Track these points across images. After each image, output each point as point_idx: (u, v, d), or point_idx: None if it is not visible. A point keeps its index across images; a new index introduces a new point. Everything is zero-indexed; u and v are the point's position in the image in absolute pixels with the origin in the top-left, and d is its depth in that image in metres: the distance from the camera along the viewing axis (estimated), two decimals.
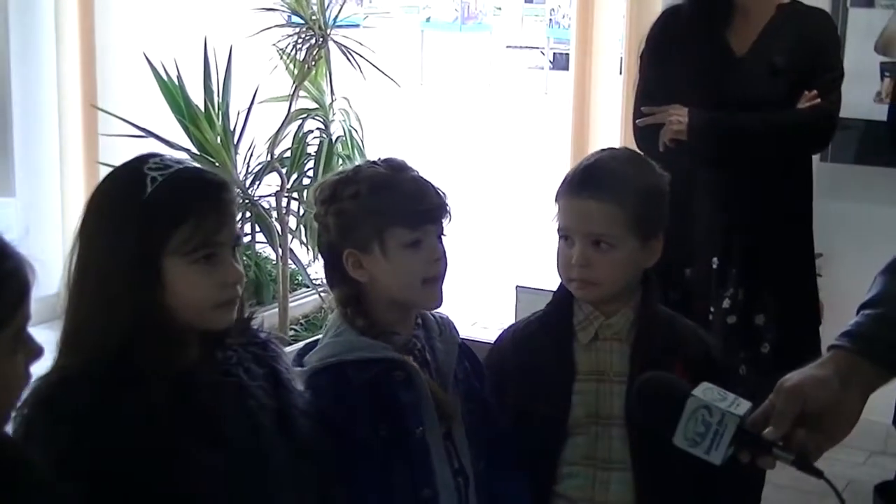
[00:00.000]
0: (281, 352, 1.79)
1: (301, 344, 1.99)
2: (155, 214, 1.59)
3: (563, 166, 3.66)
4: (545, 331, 2.04)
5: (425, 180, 1.90)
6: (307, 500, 1.72)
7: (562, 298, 2.04)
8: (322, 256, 1.97)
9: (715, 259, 2.99)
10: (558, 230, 1.99)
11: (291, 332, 4.41)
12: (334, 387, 1.83)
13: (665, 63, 3.06)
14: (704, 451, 1.53)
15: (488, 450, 1.96)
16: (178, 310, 1.61)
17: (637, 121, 3.07)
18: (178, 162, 1.67)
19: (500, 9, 20.00)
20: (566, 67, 4.47)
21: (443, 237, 1.90)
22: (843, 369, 1.55)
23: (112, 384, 1.55)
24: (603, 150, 2.12)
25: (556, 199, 2.01)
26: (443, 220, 1.89)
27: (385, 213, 1.83)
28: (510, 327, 2.14)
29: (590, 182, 1.95)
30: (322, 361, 1.86)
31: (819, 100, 2.94)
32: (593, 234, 1.94)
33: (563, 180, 2.01)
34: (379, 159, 1.93)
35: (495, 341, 2.11)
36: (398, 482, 1.84)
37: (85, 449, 1.52)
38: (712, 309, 2.99)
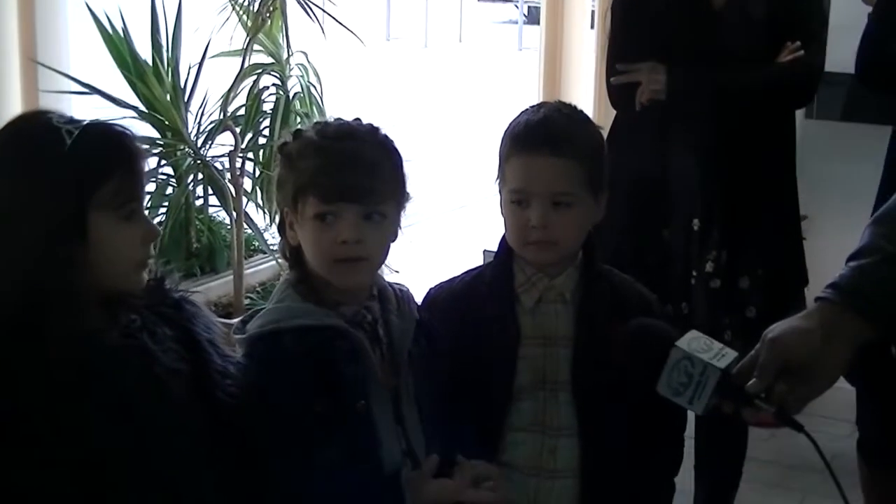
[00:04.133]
0: (198, 310, 1.71)
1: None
2: (81, 166, 1.54)
3: None
4: (484, 294, 1.97)
5: (366, 157, 1.78)
6: (227, 476, 1.61)
7: (502, 260, 1.98)
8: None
9: (696, 220, 2.88)
10: (511, 192, 1.92)
11: (247, 301, 4.23)
12: (269, 356, 1.74)
13: (638, 17, 2.93)
14: (687, 401, 1.57)
15: (444, 427, 1.84)
16: (100, 267, 1.54)
17: (612, 79, 2.94)
18: (74, 118, 1.60)
19: None
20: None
21: (376, 220, 1.77)
22: (827, 321, 1.56)
23: (11, 345, 1.47)
24: (540, 104, 2.02)
25: (503, 160, 1.95)
26: (373, 202, 1.77)
27: (302, 179, 1.78)
28: (438, 287, 2.04)
29: (549, 139, 1.90)
30: (260, 328, 1.78)
31: (801, 52, 2.82)
32: (555, 192, 1.89)
33: (512, 139, 1.93)
34: (334, 120, 1.86)
35: (423, 302, 1.99)
36: (338, 459, 1.71)
37: None
38: (694, 273, 2.89)
